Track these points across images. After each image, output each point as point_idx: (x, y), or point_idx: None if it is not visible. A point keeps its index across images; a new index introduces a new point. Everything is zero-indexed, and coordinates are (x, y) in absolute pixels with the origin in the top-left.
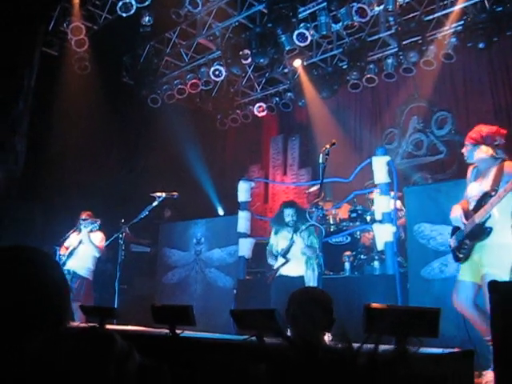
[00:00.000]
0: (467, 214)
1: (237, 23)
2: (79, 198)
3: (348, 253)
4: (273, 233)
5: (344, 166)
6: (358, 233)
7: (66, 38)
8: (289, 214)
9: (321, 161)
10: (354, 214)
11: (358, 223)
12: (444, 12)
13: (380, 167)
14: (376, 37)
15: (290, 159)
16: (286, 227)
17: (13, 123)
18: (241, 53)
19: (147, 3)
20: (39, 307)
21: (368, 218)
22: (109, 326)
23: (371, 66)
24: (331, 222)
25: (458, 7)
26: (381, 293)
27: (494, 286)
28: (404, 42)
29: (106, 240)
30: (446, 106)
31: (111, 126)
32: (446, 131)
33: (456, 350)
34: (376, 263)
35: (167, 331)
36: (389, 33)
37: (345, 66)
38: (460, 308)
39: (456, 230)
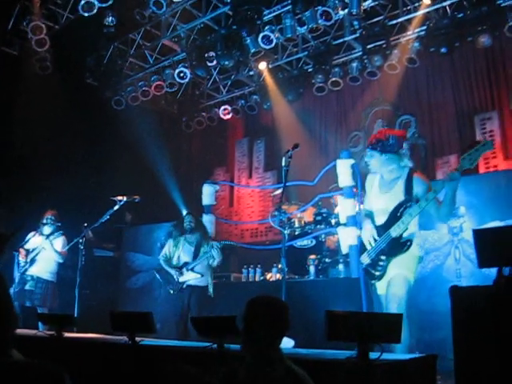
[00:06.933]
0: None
1: (202, 25)
2: (42, 202)
3: (313, 256)
4: (172, 244)
5: (309, 169)
6: (323, 236)
7: (26, 37)
8: (188, 221)
9: (283, 164)
10: (318, 217)
11: (322, 226)
12: (407, 17)
13: (344, 170)
14: (341, 40)
15: (255, 162)
16: (185, 239)
17: None
18: (206, 55)
19: (110, 3)
20: None
21: (333, 221)
22: (68, 334)
23: (336, 69)
24: (296, 225)
25: (420, 12)
26: (346, 296)
27: (454, 291)
28: (368, 46)
29: (68, 244)
30: (409, 110)
31: (74, 128)
32: (409, 135)
33: (418, 355)
34: (341, 266)
35: (127, 339)
36: (353, 36)
37: (310, 69)
38: None
39: (364, 246)
